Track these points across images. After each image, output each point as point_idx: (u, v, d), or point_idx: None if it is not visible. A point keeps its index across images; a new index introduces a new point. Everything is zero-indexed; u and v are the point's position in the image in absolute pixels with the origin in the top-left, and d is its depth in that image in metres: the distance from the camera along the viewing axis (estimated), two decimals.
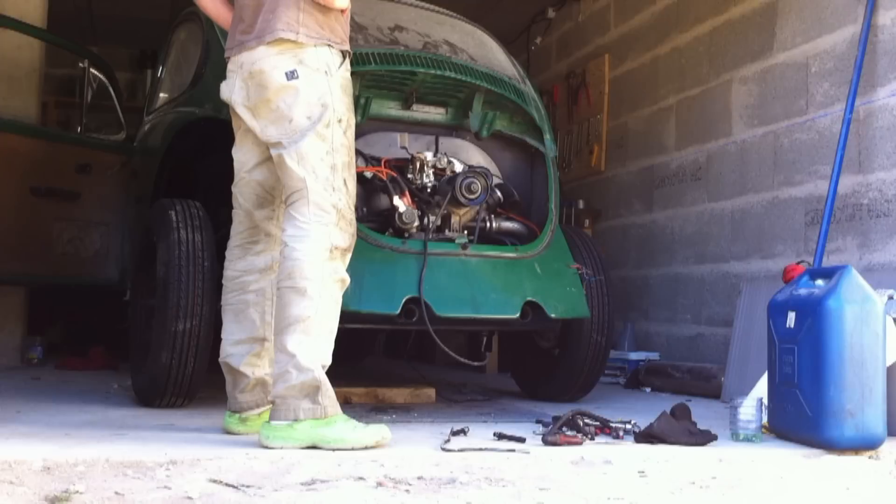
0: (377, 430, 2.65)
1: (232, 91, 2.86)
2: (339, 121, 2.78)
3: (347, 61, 2.86)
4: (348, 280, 2.80)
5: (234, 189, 2.99)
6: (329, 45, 2.80)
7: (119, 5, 7.46)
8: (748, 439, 2.96)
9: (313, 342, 2.67)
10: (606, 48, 6.42)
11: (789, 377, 2.99)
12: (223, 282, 3.03)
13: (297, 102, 2.74)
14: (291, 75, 2.74)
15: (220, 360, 2.97)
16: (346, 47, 2.87)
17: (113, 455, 2.31)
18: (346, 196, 2.79)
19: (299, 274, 2.67)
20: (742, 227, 4.87)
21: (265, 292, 2.96)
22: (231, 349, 2.95)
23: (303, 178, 2.72)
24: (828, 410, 2.82)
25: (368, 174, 3.56)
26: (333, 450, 2.55)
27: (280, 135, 2.76)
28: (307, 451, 2.52)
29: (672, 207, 5.52)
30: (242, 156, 2.95)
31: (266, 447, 2.57)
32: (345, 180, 2.80)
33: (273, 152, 2.80)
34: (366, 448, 2.58)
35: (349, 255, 2.82)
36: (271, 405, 2.72)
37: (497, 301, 3.49)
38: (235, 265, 3.00)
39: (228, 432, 2.89)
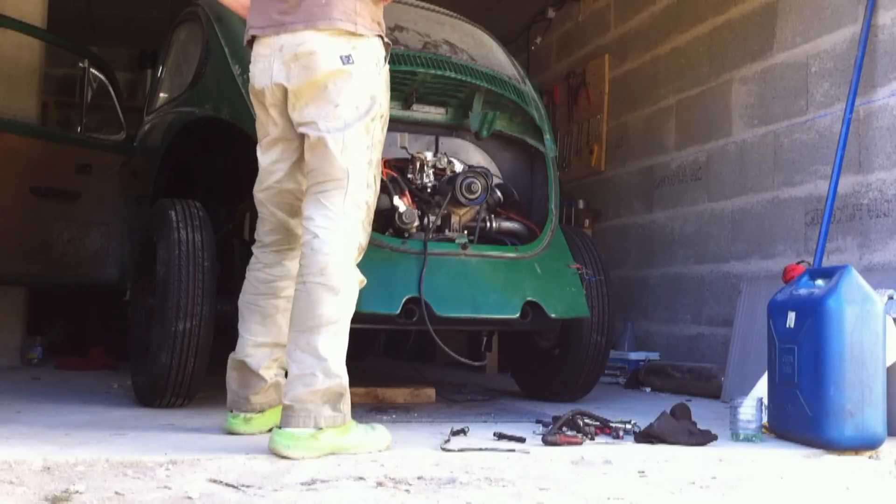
0: (384, 433, 2.64)
1: (271, 75, 2.68)
2: (382, 116, 2.73)
3: (387, 53, 2.77)
4: (364, 281, 2.72)
5: (261, 195, 2.85)
6: (380, 37, 2.72)
7: (119, 5, 7.45)
8: (748, 439, 2.96)
9: (341, 346, 2.57)
10: (606, 48, 6.42)
11: (789, 377, 2.99)
12: (251, 281, 2.89)
13: (348, 88, 2.61)
14: (347, 60, 2.61)
15: (237, 358, 2.86)
16: (387, 42, 2.78)
17: (113, 455, 2.31)
18: (374, 194, 2.75)
19: (333, 272, 2.56)
20: (742, 227, 4.87)
21: (289, 299, 2.83)
22: (252, 350, 2.85)
23: (345, 169, 2.61)
24: (828, 410, 2.82)
25: None
26: (348, 455, 2.50)
27: (319, 116, 2.62)
28: None
29: (672, 207, 5.52)
30: (271, 164, 2.80)
31: (285, 457, 2.44)
32: (375, 177, 2.74)
33: (310, 134, 2.64)
34: (378, 451, 2.55)
35: (361, 256, 2.76)
36: (281, 406, 2.61)
37: (497, 301, 3.49)
38: (271, 270, 2.87)
39: (231, 433, 2.83)
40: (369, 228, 2.77)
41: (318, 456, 2.47)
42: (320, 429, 2.50)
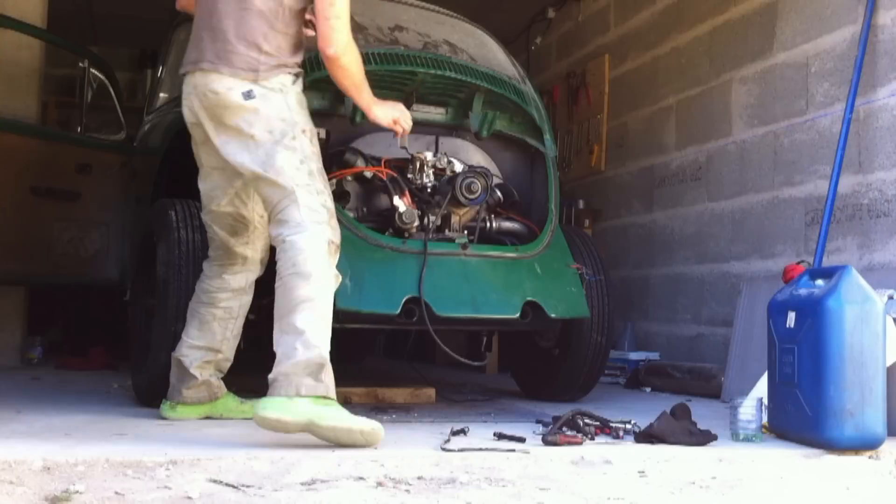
0: (376, 426, 2.64)
1: (192, 113, 2.95)
2: (304, 131, 2.88)
3: (300, 81, 2.96)
4: (340, 278, 2.88)
5: (206, 218, 3.12)
6: (284, 72, 2.90)
7: (119, 5, 7.45)
8: (748, 439, 2.96)
9: (320, 322, 2.69)
10: (606, 48, 6.42)
11: (789, 377, 2.99)
12: (196, 291, 3.18)
13: (257, 120, 2.82)
14: (248, 95, 2.83)
15: (175, 356, 3.15)
16: (298, 71, 2.96)
17: (113, 455, 2.31)
18: (330, 197, 2.87)
19: (303, 260, 2.71)
20: (742, 227, 4.87)
21: (232, 311, 3.16)
22: (187, 350, 3.14)
23: (286, 187, 2.79)
24: (828, 410, 2.82)
25: (368, 174, 3.56)
26: (329, 427, 2.55)
27: (241, 151, 2.84)
28: (307, 450, 2.51)
29: (672, 207, 5.52)
30: (211, 190, 3.05)
31: (263, 417, 2.57)
32: (324, 184, 2.88)
33: (244, 171, 2.87)
34: (362, 433, 2.58)
35: (339, 254, 2.87)
36: (209, 404, 3.13)
37: (497, 301, 3.49)
38: (212, 281, 3.16)
39: (162, 417, 3.11)
40: (337, 227, 2.87)
41: (293, 420, 2.56)
42: (300, 394, 2.60)
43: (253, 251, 3.15)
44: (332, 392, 2.67)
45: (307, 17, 3.02)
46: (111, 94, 5.76)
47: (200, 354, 3.16)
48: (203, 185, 3.07)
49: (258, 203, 3.06)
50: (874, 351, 2.84)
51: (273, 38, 2.90)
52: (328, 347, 2.71)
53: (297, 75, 2.95)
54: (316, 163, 2.88)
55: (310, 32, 3.05)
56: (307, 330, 2.65)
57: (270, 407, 2.60)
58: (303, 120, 2.90)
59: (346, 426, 2.57)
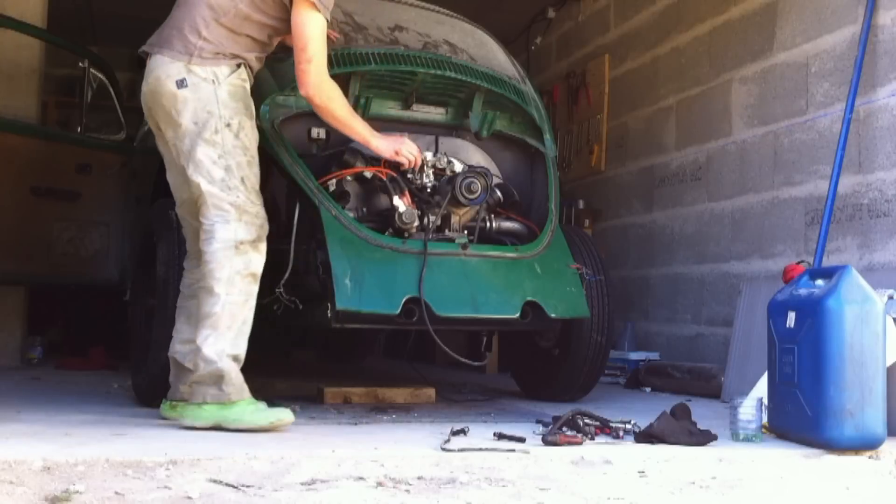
0: (274, 413, 2.92)
1: (146, 102, 3.10)
2: (228, 125, 2.97)
3: (241, 70, 3.05)
4: (259, 272, 3.02)
5: (180, 212, 3.23)
6: (220, 62, 3.01)
7: (119, 5, 7.45)
8: (748, 439, 2.96)
9: (219, 336, 2.94)
10: (606, 48, 6.42)
11: (789, 377, 2.99)
12: (181, 287, 3.23)
13: (185, 109, 2.97)
14: (181, 84, 2.97)
15: (169, 354, 3.17)
16: (241, 61, 3.05)
17: (113, 455, 2.31)
18: (244, 193, 2.99)
19: (209, 275, 2.95)
20: (742, 227, 4.87)
21: None
22: (179, 347, 3.14)
23: (198, 184, 2.97)
24: (828, 410, 2.82)
25: (368, 174, 3.56)
26: (236, 430, 2.86)
27: (175, 138, 3.01)
28: (307, 450, 2.51)
29: (672, 207, 5.52)
30: (175, 181, 3.18)
31: (182, 425, 2.93)
32: (242, 178, 2.99)
33: (177, 156, 3.05)
34: (263, 429, 2.87)
35: (262, 245, 3.03)
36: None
37: (497, 301, 3.49)
38: (192, 274, 3.19)
39: (163, 418, 3.11)
40: (258, 221, 3.01)
41: (205, 425, 2.91)
42: (206, 402, 2.95)
43: None
44: (237, 395, 2.95)
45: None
46: (111, 94, 5.76)
47: (192, 348, 3.11)
48: (169, 178, 3.20)
49: None
50: (874, 351, 2.84)
51: (216, 30, 3.02)
52: (237, 352, 2.97)
53: (238, 66, 3.04)
54: (239, 157, 2.99)
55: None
56: (204, 347, 2.93)
57: (185, 414, 2.97)
58: (229, 113, 2.99)
59: (248, 427, 2.88)
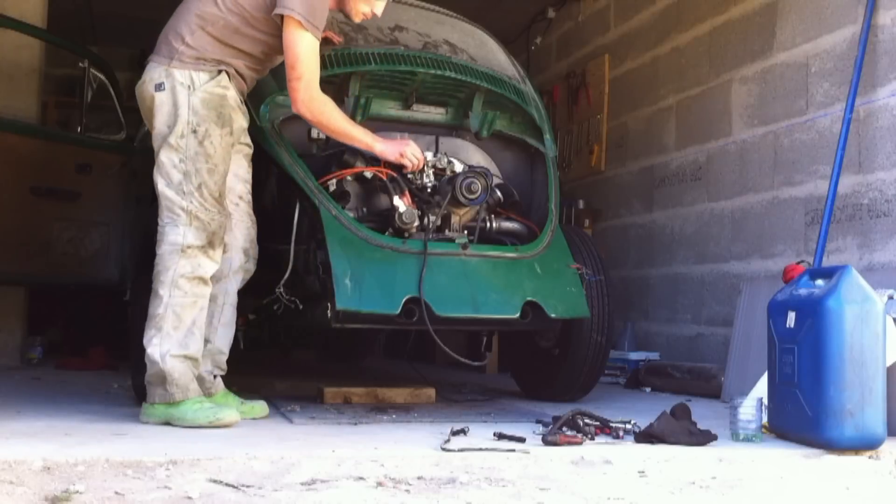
0: (213, 412, 2.98)
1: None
2: (195, 132, 3.02)
3: (221, 76, 3.10)
4: (208, 276, 3.07)
5: None
6: (200, 67, 3.05)
7: (119, 5, 7.45)
8: (748, 439, 2.96)
9: (164, 337, 3.02)
10: (606, 48, 6.42)
11: (789, 377, 2.99)
12: None
13: (159, 113, 3.06)
14: (160, 87, 3.06)
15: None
16: (223, 68, 3.11)
17: (113, 455, 2.31)
18: (198, 199, 3.04)
19: (156, 277, 3.04)
20: (742, 227, 4.87)
21: (216, 299, 3.23)
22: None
23: (157, 185, 3.06)
24: (828, 410, 2.82)
25: (368, 174, 3.56)
26: (183, 427, 2.95)
27: (154, 146, 3.09)
28: (307, 450, 2.52)
29: (672, 207, 5.52)
30: None
31: (141, 421, 3.04)
32: (200, 185, 3.04)
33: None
34: (210, 423, 2.95)
35: (215, 251, 3.08)
36: (220, 393, 3.23)
37: (497, 301, 3.49)
38: None
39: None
40: (212, 227, 3.05)
41: (157, 422, 3.01)
42: (155, 402, 3.04)
43: (231, 238, 3.23)
44: (181, 394, 3.01)
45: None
46: (111, 94, 5.76)
47: None
48: None
49: (231, 190, 3.20)
50: (874, 351, 2.84)
51: (201, 37, 3.06)
52: (184, 351, 3.03)
53: (219, 72, 3.08)
54: (200, 164, 3.03)
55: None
56: (148, 347, 3.02)
57: (143, 411, 3.06)
58: (197, 120, 3.04)
59: (196, 424, 2.95)
